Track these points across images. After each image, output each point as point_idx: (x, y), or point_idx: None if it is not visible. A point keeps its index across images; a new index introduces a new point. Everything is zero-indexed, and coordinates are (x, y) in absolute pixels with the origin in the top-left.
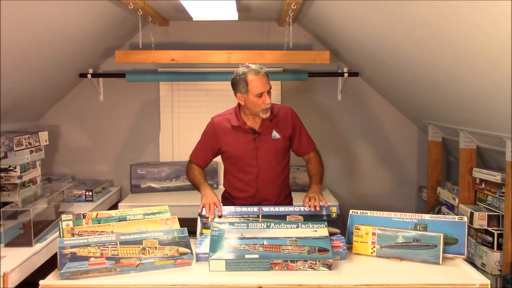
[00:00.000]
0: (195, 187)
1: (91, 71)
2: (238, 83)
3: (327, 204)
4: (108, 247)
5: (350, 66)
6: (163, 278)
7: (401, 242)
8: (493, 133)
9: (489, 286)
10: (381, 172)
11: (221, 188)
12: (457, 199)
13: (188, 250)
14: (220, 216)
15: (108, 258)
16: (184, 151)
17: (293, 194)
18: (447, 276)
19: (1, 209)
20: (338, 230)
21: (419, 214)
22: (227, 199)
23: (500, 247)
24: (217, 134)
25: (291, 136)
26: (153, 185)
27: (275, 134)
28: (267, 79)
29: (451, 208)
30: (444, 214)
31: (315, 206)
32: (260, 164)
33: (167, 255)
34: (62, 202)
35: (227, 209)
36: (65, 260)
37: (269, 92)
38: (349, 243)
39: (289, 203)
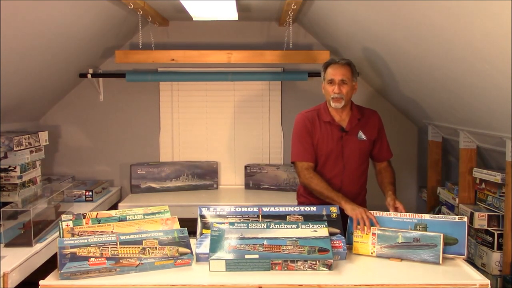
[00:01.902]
0: (326, 198)
1: (91, 71)
2: (322, 72)
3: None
4: (108, 247)
5: None
6: (163, 278)
7: (401, 242)
8: (493, 133)
9: (489, 286)
10: None
11: (221, 188)
12: (457, 199)
13: (188, 250)
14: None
15: (108, 258)
16: (184, 151)
17: None
18: (447, 276)
19: (1, 209)
20: (338, 230)
21: (419, 214)
22: (305, 197)
23: (500, 247)
24: (311, 128)
25: (375, 140)
26: (153, 185)
27: (361, 135)
28: (344, 70)
29: (451, 208)
30: (444, 214)
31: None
32: (346, 162)
33: (167, 255)
34: (62, 202)
35: (227, 209)
36: (65, 260)
37: (343, 84)
38: (349, 243)
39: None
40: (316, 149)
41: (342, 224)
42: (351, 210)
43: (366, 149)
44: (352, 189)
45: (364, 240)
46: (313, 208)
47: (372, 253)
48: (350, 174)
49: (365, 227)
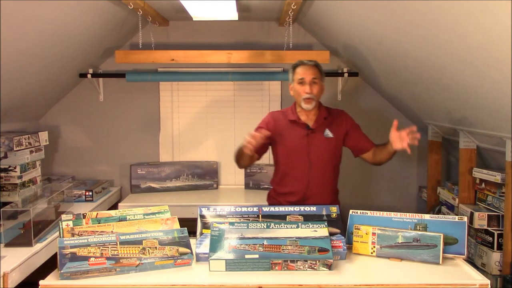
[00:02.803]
0: (240, 156)
1: (91, 71)
2: (289, 73)
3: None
4: (108, 247)
5: (350, 66)
6: (163, 278)
7: (401, 242)
8: (493, 133)
9: (489, 286)
10: (380, 172)
11: (221, 188)
12: (457, 199)
13: (188, 250)
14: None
15: (108, 258)
16: (184, 151)
17: None
18: (447, 276)
19: (1, 209)
20: (338, 230)
21: (419, 214)
22: (273, 198)
23: (500, 247)
24: (274, 126)
25: (344, 138)
26: (153, 185)
27: (328, 133)
28: (314, 70)
29: (451, 208)
30: (444, 214)
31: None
32: (312, 160)
33: (167, 255)
34: (62, 202)
35: (227, 209)
36: (65, 260)
37: (314, 84)
38: (349, 243)
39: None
40: (281, 148)
41: (342, 224)
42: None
43: (334, 147)
44: (320, 186)
45: (364, 240)
46: (313, 208)
47: (372, 253)
48: (317, 171)
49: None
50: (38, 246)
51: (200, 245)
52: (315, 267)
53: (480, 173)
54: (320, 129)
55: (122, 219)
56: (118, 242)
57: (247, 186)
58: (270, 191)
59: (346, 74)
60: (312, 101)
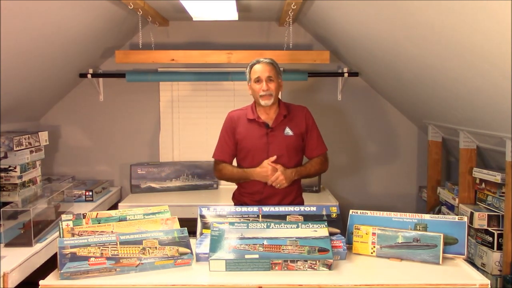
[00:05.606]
0: (239, 179)
1: (91, 71)
2: (247, 74)
3: (284, 182)
4: (108, 247)
5: (350, 66)
6: (163, 278)
7: (401, 242)
8: (493, 133)
9: (489, 286)
10: (381, 172)
11: (221, 188)
12: (457, 199)
13: (188, 250)
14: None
15: (108, 258)
16: (184, 151)
17: None
18: (447, 276)
19: (1, 209)
20: (338, 230)
21: (419, 214)
22: (238, 197)
23: (500, 247)
24: (234, 127)
25: (304, 135)
26: (153, 185)
27: (288, 131)
28: (269, 67)
29: (451, 208)
30: (444, 214)
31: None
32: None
33: (167, 255)
34: (62, 202)
35: (227, 209)
36: (65, 260)
37: (270, 81)
38: (349, 243)
39: (300, 203)
40: (240, 147)
41: (342, 224)
42: (259, 173)
43: (294, 144)
44: None
45: (364, 240)
46: (313, 208)
47: (372, 253)
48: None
49: (276, 180)
50: (38, 246)
51: (200, 245)
52: (315, 267)
53: (480, 173)
54: (280, 127)
55: (122, 219)
56: (118, 242)
57: None
58: (235, 191)
59: (346, 74)
60: (270, 97)
